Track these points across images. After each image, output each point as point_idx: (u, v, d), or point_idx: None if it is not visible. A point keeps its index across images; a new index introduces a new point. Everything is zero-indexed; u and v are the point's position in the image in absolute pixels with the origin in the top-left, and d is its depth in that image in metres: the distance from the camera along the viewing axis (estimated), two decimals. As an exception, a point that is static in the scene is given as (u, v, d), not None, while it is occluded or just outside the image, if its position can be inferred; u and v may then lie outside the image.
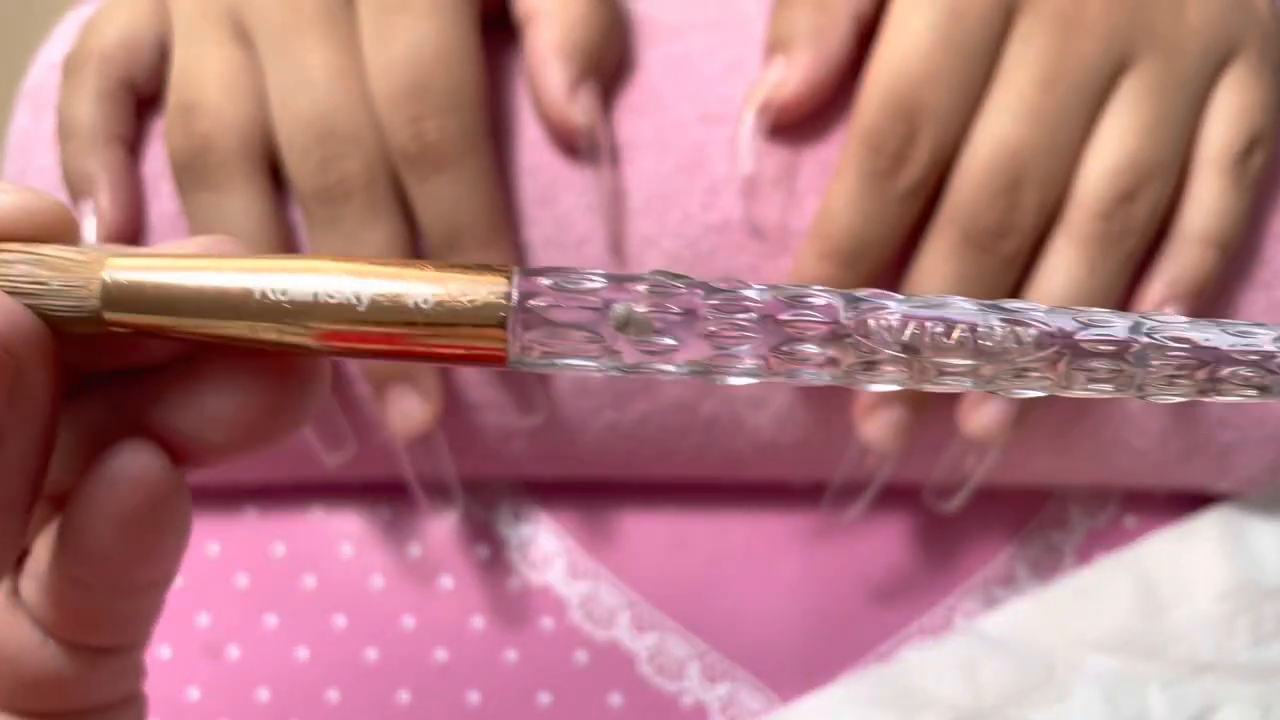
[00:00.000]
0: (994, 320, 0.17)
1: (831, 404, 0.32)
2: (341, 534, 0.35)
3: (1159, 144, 0.29)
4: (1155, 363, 0.17)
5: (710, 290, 0.17)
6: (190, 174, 0.30)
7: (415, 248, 0.30)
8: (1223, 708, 0.32)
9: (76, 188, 0.31)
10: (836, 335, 0.17)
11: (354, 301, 0.16)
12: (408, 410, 0.30)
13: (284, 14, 0.29)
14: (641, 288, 0.17)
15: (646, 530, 0.35)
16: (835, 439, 0.32)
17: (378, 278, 0.17)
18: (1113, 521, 0.35)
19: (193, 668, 0.33)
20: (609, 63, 0.31)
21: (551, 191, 0.31)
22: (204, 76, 0.30)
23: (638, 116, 0.32)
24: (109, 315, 0.16)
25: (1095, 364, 0.17)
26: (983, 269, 0.29)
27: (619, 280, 0.17)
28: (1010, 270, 0.29)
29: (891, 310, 0.17)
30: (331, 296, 0.16)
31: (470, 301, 0.17)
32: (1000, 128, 0.28)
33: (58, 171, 0.32)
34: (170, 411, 0.17)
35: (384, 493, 0.35)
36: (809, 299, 0.17)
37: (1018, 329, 0.17)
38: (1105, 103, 0.29)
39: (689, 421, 0.32)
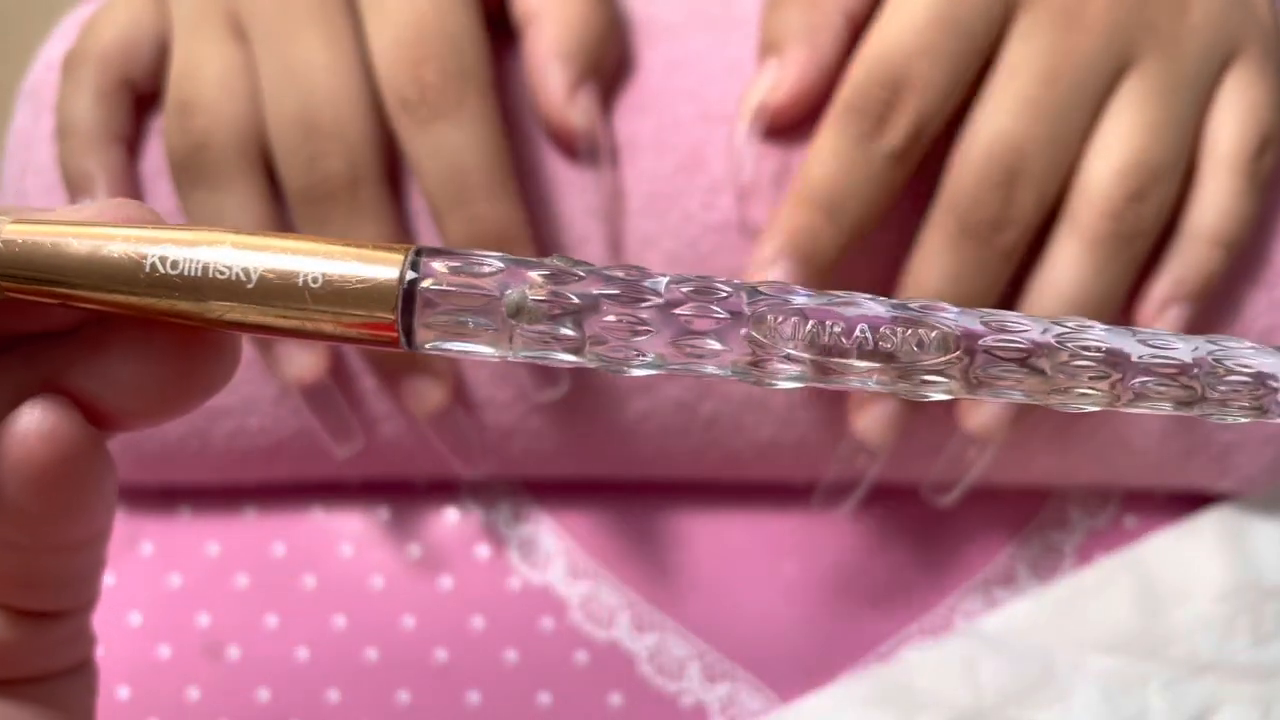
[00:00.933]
0: (898, 323, 0.16)
1: (832, 404, 0.32)
2: (341, 534, 0.35)
3: (1166, 143, 0.29)
4: (1064, 372, 0.16)
5: (609, 279, 0.17)
6: (187, 172, 0.30)
7: None
8: (1223, 708, 0.32)
9: (75, 186, 0.31)
10: (735, 331, 0.17)
11: (243, 279, 0.16)
12: (422, 393, 0.31)
13: (278, 10, 0.29)
14: (539, 274, 0.17)
15: (646, 530, 0.35)
16: (835, 439, 0.32)
17: (272, 251, 0.16)
18: (1113, 521, 0.35)
19: (193, 668, 0.33)
20: (608, 63, 0.31)
21: (552, 191, 0.31)
22: (201, 75, 0.30)
23: (638, 116, 0.32)
24: (3, 282, 0.16)
25: (1003, 370, 0.16)
26: (979, 261, 0.29)
27: (518, 264, 0.17)
28: (1007, 264, 0.29)
29: (794, 306, 0.17)
30: (221, 273, 0.16)
31: (360, 282, 0.16)
32: (1000, 121, 0.28)
33: (57, 170, 0.32)
34: (82, 375, 0.17)
35: (384, 493, 0.35)
36: (714, 291, 0.17)
37: (920, 331, 0.16)
38: (1106, 101, 0.29)
39: (689, 421, 0.32)
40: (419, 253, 0.17)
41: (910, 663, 0.33)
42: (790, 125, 0.31)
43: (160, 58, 0.32)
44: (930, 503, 0.33)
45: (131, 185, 0.32)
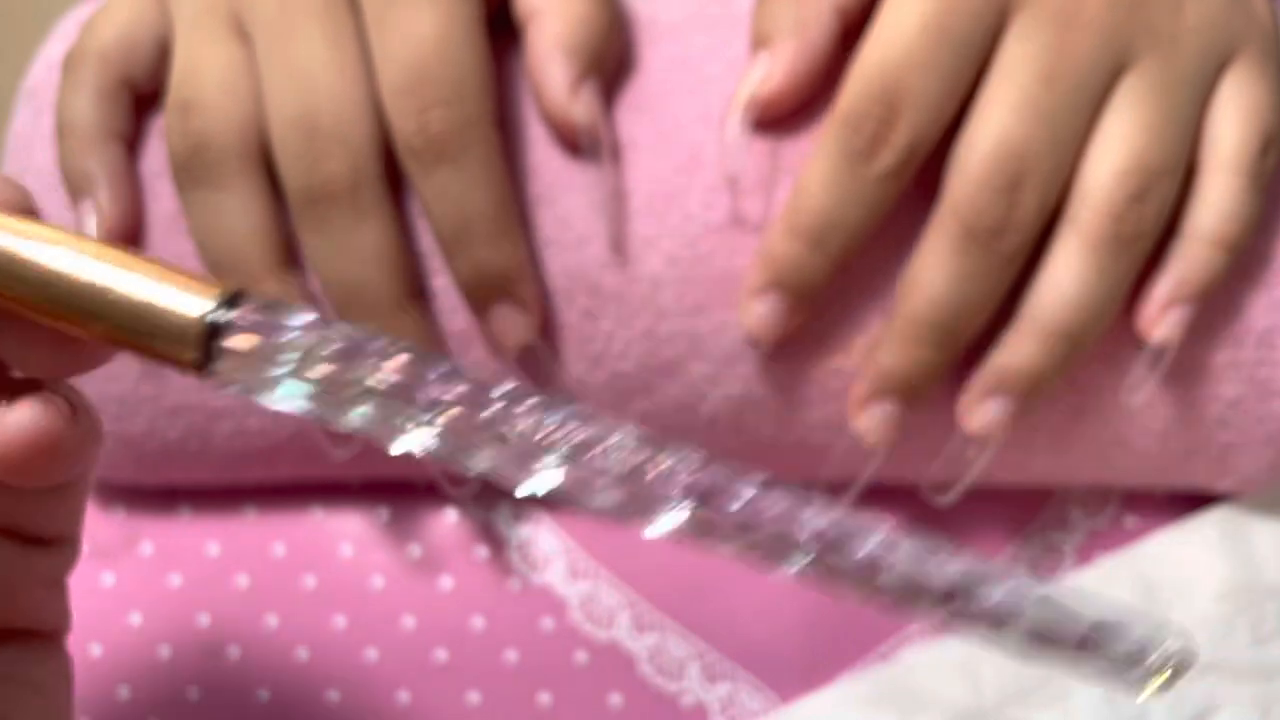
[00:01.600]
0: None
1: (831, 405, 0.32)
2: (341, 534, 0.35)
3: (1166, 144, 0.29)
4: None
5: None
6: (188, 172, 0.30)
7: (407, 249, 0.30)
8: (1223, 708, 0.32)
9: (75, 186, 0.31)
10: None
11: (61, 283, 0.17)
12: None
13: (279, 10, 0.29)
14: (329, 346, 0.17)
15: (646, 530, 0.35)
16: (835, 439, 0.32)
17: (103, 261, 0.17)
18: (1113, 521, 0.35)
19: (193, 668, 0.33)
20: (610, 61, 0.31)
21: (552, 191, 0.31)
22: (203, 74, 0.30)
23: (638, 116, 0.32)
24: None
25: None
26: (982, 266, 0.29)
27: (317, 327, 0.17)
28: (1010, 268, 0.29)
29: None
30: (51, 273, 0.17)
31: (165, 315, 0.17)
32: (1001, 124, 0.28)
33: (57, 171, 0.32)
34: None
35: (384, 493, 0.35)
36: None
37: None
38: (1105, 102, 0.29)
39: (689, 421, 0.32)
40: (232, 300, 0.17)
41: (910, 663, 0.33)
42: (782, 118, 0.31)
43: (161, 57, 0.32)
44: (930, 502, 0.33)
45: (132, 185, 0.32)
